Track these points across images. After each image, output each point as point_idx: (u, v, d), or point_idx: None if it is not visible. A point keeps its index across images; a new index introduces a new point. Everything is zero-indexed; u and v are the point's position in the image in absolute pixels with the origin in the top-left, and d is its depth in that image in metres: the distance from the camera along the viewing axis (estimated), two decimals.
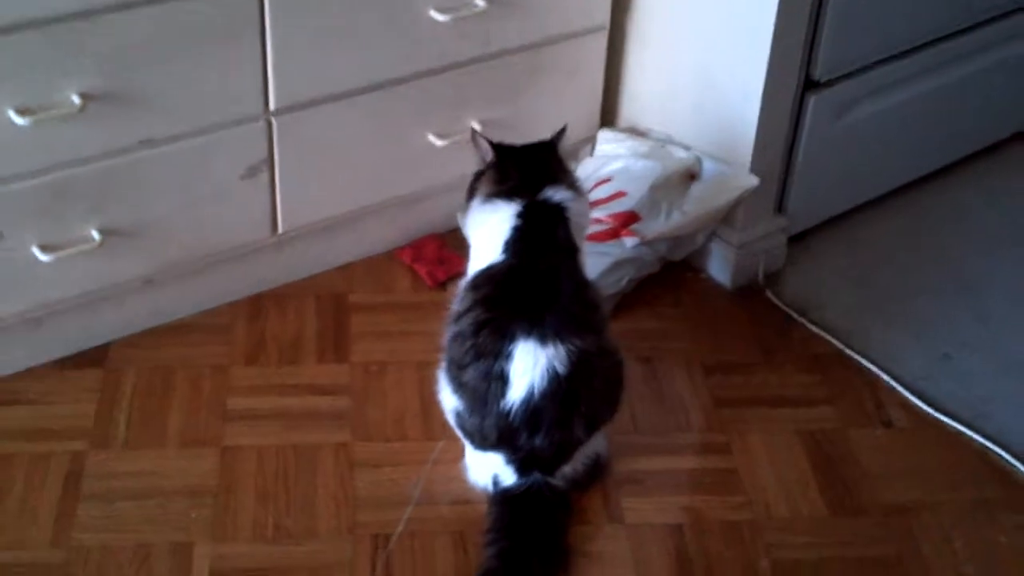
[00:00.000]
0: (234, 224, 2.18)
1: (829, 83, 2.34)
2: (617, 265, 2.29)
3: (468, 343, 1.85)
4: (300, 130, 2.14)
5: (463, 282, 1.94)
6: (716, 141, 2.37)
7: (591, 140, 2.53)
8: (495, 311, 1.85)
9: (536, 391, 1.82)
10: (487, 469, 1.91)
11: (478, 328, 1.85)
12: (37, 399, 2.06)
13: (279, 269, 2.31)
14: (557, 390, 1.83)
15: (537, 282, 1.86)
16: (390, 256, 2.42)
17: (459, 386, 1.88)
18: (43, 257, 1.97)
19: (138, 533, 1.85)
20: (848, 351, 2.28)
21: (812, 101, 2.33)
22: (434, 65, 2.24)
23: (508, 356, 1.82)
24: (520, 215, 1.89)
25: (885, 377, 2.22)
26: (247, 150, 2.11)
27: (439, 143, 2.29)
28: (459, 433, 1.94)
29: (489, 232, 1.91)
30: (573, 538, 1.88)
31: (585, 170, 2.44)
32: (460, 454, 1.97)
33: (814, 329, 2.32)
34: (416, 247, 2.43)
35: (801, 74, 2.30)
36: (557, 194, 1.91)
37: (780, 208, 2.45)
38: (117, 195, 2.01)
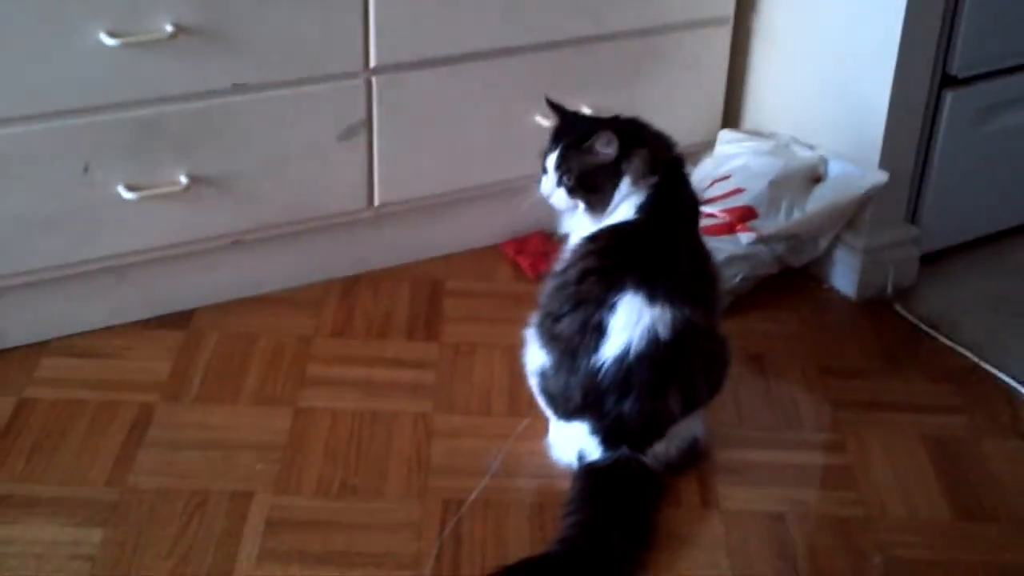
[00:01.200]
0: (328, 188, 2.11)
1: (969, 80, 2.19)
2: (730, 261, 2.15)
3: (570, 290, 1.73)
4: (401, 93, 2.08)
5: (575, 240, 1.80)
6: (844, 141, 2.24)
7: (711, 144, 2.40)
8: (608, 259, 1.74)
9: (632, 350, 1.69)
10: (572, 445, 1.78)
11: (585, 275, 1.73)
12: (114, 353, 2.01)
13: (377, 250, 2.23)
14: (654, 354, 1.69)
15: (659, 241, 1.75)
16: (495, 250, 2.33)
17: (550, 339, 1.75)
18: (128, 195, 1.92)
19: (197, 480, 1.75)
20: (984, 364, 2.08)
21: (949, 99, 2.19)
22: (543, 39, 2.16)
23: (612, 306, 1.70)
24: (657, 182, 1.76)
25: None
26: (345, 108, 2.05)
27: (547, 124, 2.18)
28: (542, 401, 1.81)
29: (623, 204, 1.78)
30: (663, 519, 1.72)
31: (703, 170, 2.32)
32: (545, 431, 1.84)
33: (947, 342, 2.14)
34: (521, 241, 2.33)
35: (938, 68, 2.16)
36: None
37: (913, 218, 2.29)
38: (206, 140, 1.96)
